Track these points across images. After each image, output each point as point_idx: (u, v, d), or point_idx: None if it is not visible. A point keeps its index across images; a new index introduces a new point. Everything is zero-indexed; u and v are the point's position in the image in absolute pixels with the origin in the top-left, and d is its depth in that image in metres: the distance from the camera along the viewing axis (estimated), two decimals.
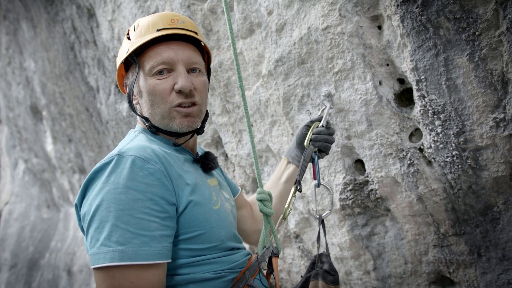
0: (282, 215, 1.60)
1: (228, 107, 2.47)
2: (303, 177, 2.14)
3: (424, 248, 1.98)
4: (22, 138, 8.03)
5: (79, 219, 1.19)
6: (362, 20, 1.72)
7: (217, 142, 2.83)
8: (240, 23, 2.13)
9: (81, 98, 4.87)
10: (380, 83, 1.79)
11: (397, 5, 1.57)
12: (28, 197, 8.74)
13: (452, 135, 1.63)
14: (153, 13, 2.70)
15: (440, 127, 1.65)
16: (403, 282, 2.11)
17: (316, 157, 1.71)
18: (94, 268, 1.06)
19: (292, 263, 2.64)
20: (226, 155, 2.77)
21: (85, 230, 1.14)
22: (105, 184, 1.10)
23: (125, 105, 3.82)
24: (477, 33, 1.44)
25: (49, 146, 6.89)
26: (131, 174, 1.10)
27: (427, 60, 1.58)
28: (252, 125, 2.41)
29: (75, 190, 6.59)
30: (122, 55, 1.36)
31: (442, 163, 1.71)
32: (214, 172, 1.50)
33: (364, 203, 2.03)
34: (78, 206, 1.18)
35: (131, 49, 1.30)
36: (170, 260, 1.13)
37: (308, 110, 2.00)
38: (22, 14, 5.63)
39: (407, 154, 1.79)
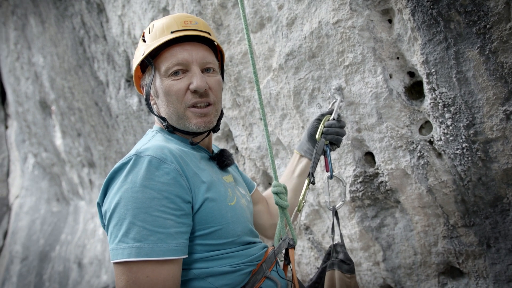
0: (296, 208, 1.63)
1: (239, 101, 2.50)
2: (315, 170, 2.17)
3: (433, 239, 2.01)
4: (31, 132, 8.12)
5: (101, 217, 1.25)
6: (373, 13, 1.73)
7: (228, 135, 2.86)
8: (251, 17, 2.15)
9: (90, 92, 4.91)
10: (391, 76, 1.80)
11: None
12: (38, 191, 8.85)
13: (462, 128, 1.65)
14: (163, 8, 2.73)
15: (450, 119, 1.66)
16: (413, 272, 2.14)
17: (328, 149, 1.73)
18: (114, 263, 1.12)
19: (302, 254, 2.68)
20: (237, 148, 2.81)
21: (106, 227, 1.20)
22: (124, 183, 1.15)
23: (135, 99, 3.86)
24: (488, 26, 1.45)
25: (58, 141, 6.96)
26: (147, 173, 1.15)
27: (437, 54, 1.59)
28: (261, 119, 2.43)
29: (84, 184, 6.68)
30: (138, 57, 1.40)
31: (452, 155, 1.73)
32: (229, 168, 1.53)
33: (374, 195, 2.06)
34: (100, 204, 1.24)
35: (146, 52, 1.34)
36: (186, 256, 1.17)
37: (319, 103, 2.03)
38: (30, 10, 5.67)
39: (417, 146, 1.81)
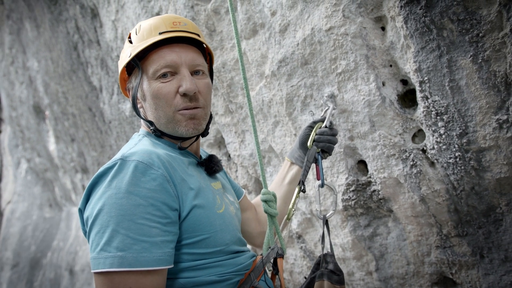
0: (286, 216, 1.60)
1: (231, 107, 2.48)
2: (306, 177, 2.14)
3: (426, 249, 1.98)
4: (25, 137, 8.06)
5: (83, 223, 1.19)
6: (366, 21, 1.72)
7: (220, 142, 2.83)
8: (244, 24, 2.13)
9: (84, 97, 4.88)
10: (383, 84, 1.79)
11: (401, 6, 1.57)
12: (31, 196, 8.76)
13: (455, 136, 1.63)
14: (156, 13, 2.71)
15: (443, 128, 1.65)
16: (405, 283, 2.11)
17: (319, 157, 1.71)
18: (94, 272, 1.07)
19: (294, 263, 2.64)
20: (229, 155, 2.78)
21: (87, 234, 1.14)
22: (107, 189, 1.10)
23: (128, 105, 3.83)
24: (480, 34, 1.44)
25: (52, 146, 6.91)
26: (133, 179, 1.10)
27: (430, 62, 1.58)
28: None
29: (77, 189, 6.61)
30: (124, 59, 1.35)
31: (445, 164, 1.71)
32: (218, 175, 1.50)
33: (366, 204, 2.04)
34: (82, 210, 1.18)
35: (133, 53, 1.30)
36: (171, 266, 1.13)
37: (311, 111, 2.01)
38: (26, 14, 5.65)
39: (410, 155, 1.80)
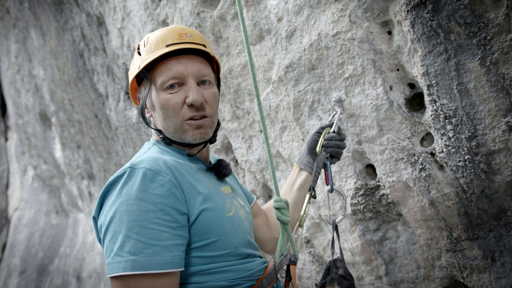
0: (298, 223, 1.60)
1: (238, 113, 2.49)
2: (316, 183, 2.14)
3: (436, 253, 1.97)
4: (31, 144, 8.11)
5: (97, 231, 1.23)
6: (372, 25, 1.73)
7: (227, 148, 2.84)
8: (250, 30, 2.14)
9: (90, 104, 4.91)
10: (391, 88, 1.79)
11: (408, 11, 1.58)
12: (37, 203, 8.81)
13: (464, 139, 1.63)
14: (162, 21, 2.73)
15: (451, 131, 1.64)
16: (416, 287, 2.10)
17: (328, 162, 1.71)
18: (110, 277, 1.10)
19: (303, 268, 2.63)
20: (236, 161, 2.78)
21: (101, 241, 1.18)
22: (118, 196, 1.14)
23: (134, 112, 3.85)
24: (488, 37, 1.44)
25: (58, 153, 6.95)
26: (142, 186, 1.14)
27: (438, 65, 1.58)
28: (262, 131, 2.42)
29: (83, 196, 6.64)
30: (134, 70, 1.39)
31: (454, 168, 1.70)
32: (228, 179, 1.52)
33: (375, 208, 2.03)
34: (96, 218, 1.23)
35: (142, 65, 1.34)
36: (182, 269, 1.15)
37: (319, 116, 2.01)
38: (32, 23, 5.71)
39: (418, 158, 1.79)
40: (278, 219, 1.46)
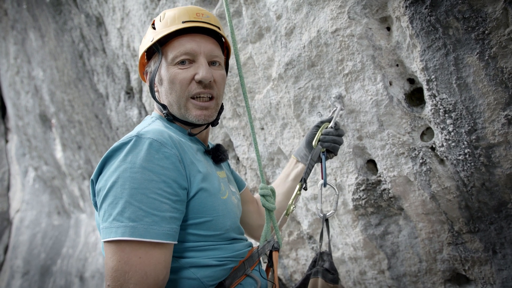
0: (285, 211, 1.62)
1: (239, 111, 2.50)
2: (315, 177, 2.15)
3: (438, 246, 1.99)
4: (32, 146, 8.12)
5: (93, 194, 1.22)
6: (371, 22, 1.74)
7: (228, 145, 2.85)
8: (249, 28, 2.16)
9: (90, 105, 4.92)
10: (391, 84, 1.80)
11: (406, 6, 1.59)
12: (39, 204, 8.83)
13: (464, 133, 1.64)
14: None
15: (451, 125, 1.66)
16: (418, 280, 2.12)
17: (323, 157, 1.73)
18: (105, 242, 1.10)
19: (306, 264, 2.65)
20: (238, 158, 2.80)
21: (98, 204, 1.17)
22: (122, 163, 1.14)
23: (135, 112, 3.86)
24: (486, 32, 1.45)
25: (59, 154, 6.96)
26: (148, 155, 1.14)
27: (437, 60, 1.59)
28: (263, 128, 2.43)
29: (85, 196, 6.66)
30: (146, 43, 1.40)
31: (455, 161, 1.72)
32: (222, 165, 1.54)
33: (377, 203, 2.05)
34: (94, 182, 1.21)
35: (156, 38, 1.35)
36: (176, 242, 1.16)
37: (319, 112, 2.02)
38: (30, 24, 5.71)
39: (419, 153, 1.81)
40: (263, 205, 1.48)
